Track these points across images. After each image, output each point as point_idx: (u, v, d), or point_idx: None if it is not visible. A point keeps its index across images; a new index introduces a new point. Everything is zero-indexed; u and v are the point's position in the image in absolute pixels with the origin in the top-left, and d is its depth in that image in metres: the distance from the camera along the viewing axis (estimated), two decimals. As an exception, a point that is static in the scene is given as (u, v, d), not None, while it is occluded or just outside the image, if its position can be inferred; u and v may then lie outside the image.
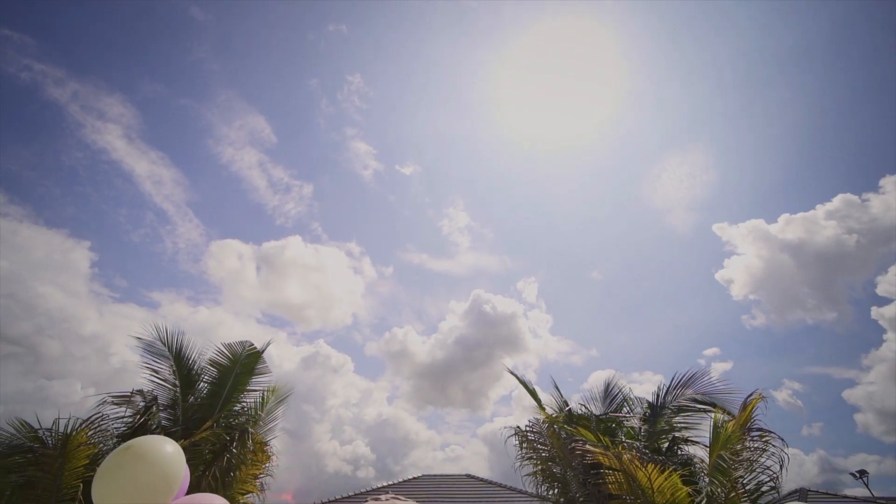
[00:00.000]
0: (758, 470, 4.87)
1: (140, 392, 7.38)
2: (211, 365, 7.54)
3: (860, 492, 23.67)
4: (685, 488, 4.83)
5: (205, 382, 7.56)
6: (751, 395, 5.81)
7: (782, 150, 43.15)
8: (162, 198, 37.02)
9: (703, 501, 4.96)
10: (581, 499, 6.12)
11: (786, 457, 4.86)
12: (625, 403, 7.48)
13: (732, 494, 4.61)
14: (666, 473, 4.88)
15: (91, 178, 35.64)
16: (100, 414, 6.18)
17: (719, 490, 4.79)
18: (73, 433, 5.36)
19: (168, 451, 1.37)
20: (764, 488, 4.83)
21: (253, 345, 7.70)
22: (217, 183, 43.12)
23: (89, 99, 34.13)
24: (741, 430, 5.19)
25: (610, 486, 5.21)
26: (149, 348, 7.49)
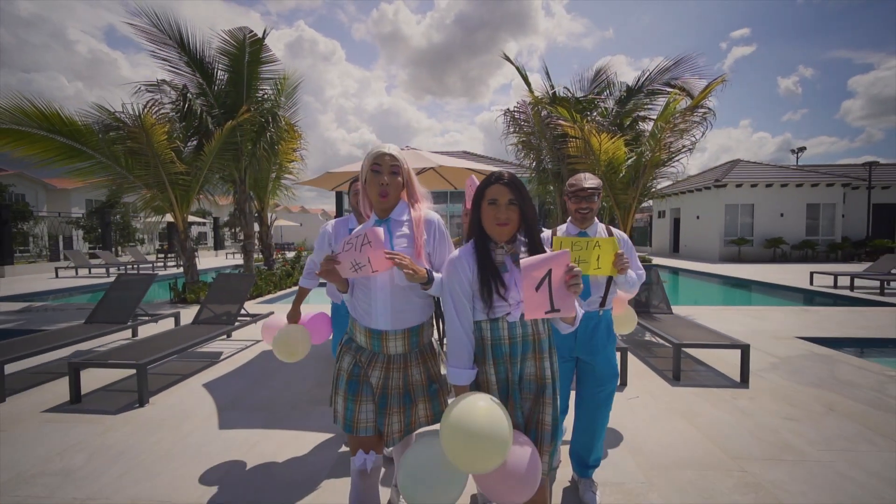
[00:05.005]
0: (685, 137, 6.36)
1: (165, 81, 8.09)
2: (221, 54, 7.84)
3: (791, 162, 28.74)
4: (624, 150, 6.51)
5: (222, 72, 8.11)
6: (715, 79, 6.57)
7: None
8: None
9: (633, 158, 6.75)
10: (548, 160, 8.13)
11: (710, 126, 6.25)
12: (607, 88, 8.31)
13: (657, 153, 6.29)
14: (614, 139, 6.44)
15: None
16: (153, 100, 7.18)
17: (648, 152, 6.47)
18: (142, 115, 6.56)
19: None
20: (683, 150, 6.49)
21: (252, 31, 7.71)
22: None
23: None
24: (692, 108, 6.30)
25: (570, 150, 6.91)
26: (147, 35, 7.50)
